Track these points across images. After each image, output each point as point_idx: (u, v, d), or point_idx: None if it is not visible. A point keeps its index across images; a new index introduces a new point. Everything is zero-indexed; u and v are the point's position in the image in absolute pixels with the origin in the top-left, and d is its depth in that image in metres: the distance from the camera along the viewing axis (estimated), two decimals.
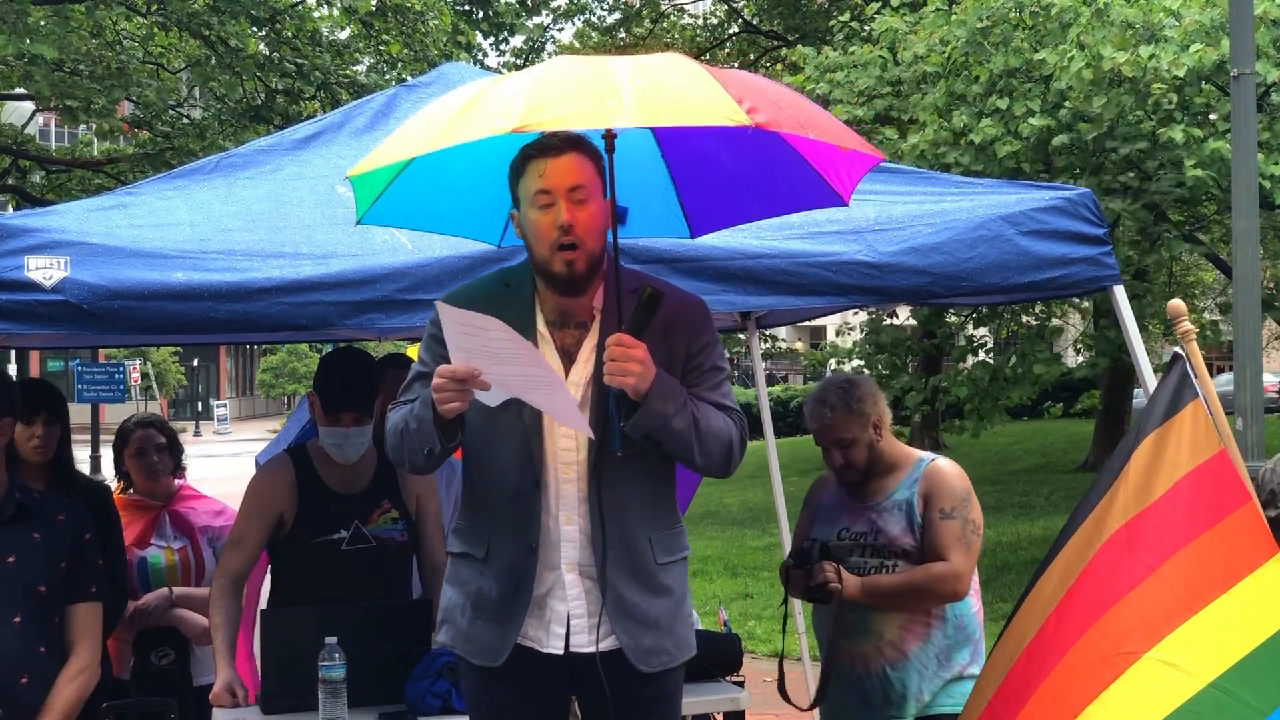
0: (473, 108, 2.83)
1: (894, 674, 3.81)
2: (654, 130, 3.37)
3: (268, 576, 4.40)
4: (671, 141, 3.43)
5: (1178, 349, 3.55)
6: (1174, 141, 9.66)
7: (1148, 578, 3.31)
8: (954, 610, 3.84)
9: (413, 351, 7.20)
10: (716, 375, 3.13)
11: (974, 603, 3.91)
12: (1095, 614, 3.30)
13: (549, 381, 2.86)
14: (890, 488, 3.87)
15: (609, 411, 2.95)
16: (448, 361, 2.90)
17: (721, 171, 3.44)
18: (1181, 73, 9.43)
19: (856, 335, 14.30)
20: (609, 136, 3.01)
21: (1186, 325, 3.56)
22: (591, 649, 3.04)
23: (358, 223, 3.39)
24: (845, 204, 3.39)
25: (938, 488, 3.81)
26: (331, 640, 3.48)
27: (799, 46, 14.01)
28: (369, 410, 4.06)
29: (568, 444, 3.05)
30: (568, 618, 3.07)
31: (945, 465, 3.88)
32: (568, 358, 3.07)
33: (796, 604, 4.39)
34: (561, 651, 3.07)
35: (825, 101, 12.22)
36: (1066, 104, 10.13)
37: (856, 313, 16.04)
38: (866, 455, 3.86)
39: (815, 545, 3.82)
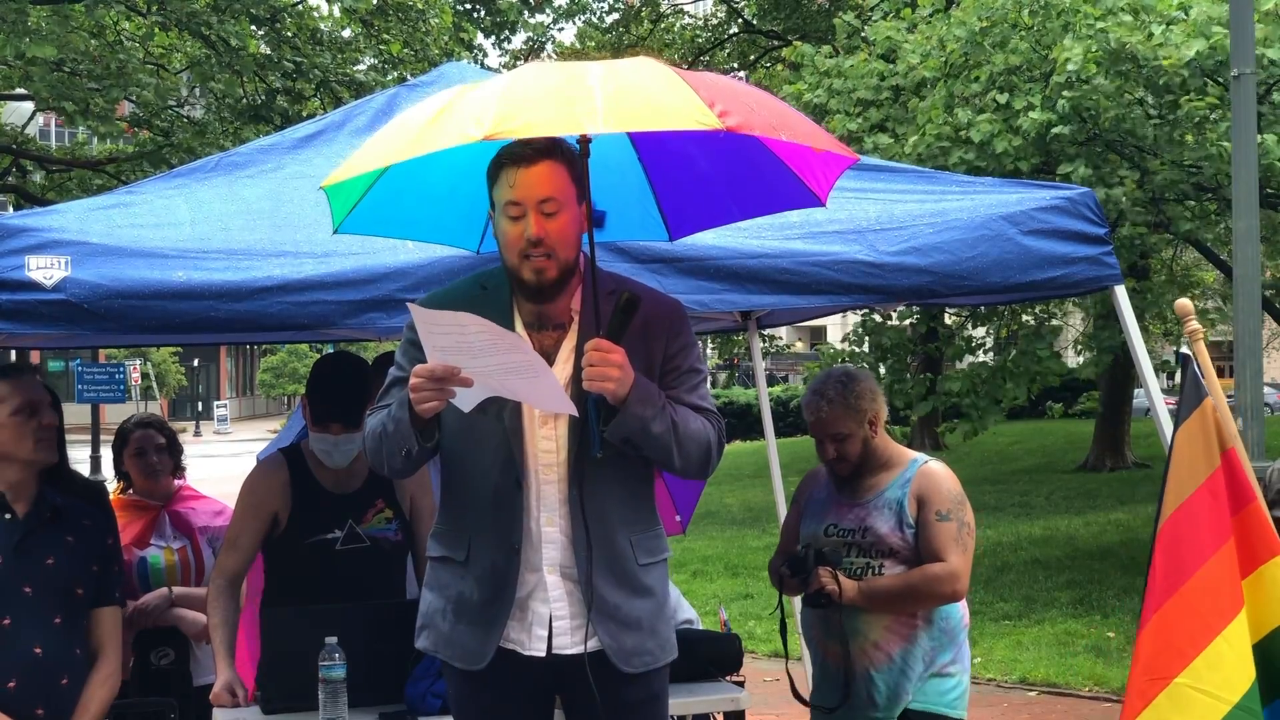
0: (445, 115, 2.82)
1: (877, 675, 3.78)
2: (629, 133, 3.36)
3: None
4: (647, 144, 3.42)
5: (1186, 350, 3.55)
6: (1197, 112, 9.60)
7: (1174, 594, 3.35)
8: (940, 613, 3.81)
9: None
10: (694, 377, 3.12)
11: (961, 605, 3.88)
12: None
13: (532, 366, 2.85)
14: (881, 486, 3.85)
15: (588, 416, 2.94)
16: (424, 364, 2.90)
17: (698, 173, 3.44)
18: (1192, 53, 9.40)
19: (853, 335, 14.28)
20: (583, 140, 3.00)
21: (1194, 325, 3.55)
22: (574, 650, 3.04)
23: (335, 232, 3.38)
24: (822, 204, 3.39)
25: (932, 489, 3.78)
26: (331, 640, 3.48)
27: (797, 44, 13.97)
28: (356, 420, 4.04)
29: (548, 445, 3.05)
30: (550, 620, 3.07)
31: (938, 467, 3.86)
32: (547, 359, 3.04)
33: (795, 603, 4.38)
34: (544, 654, 3.07)
35: (823, 111, 12.20)
36: (1065, 95, 10.11)
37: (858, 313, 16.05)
38: (860, 450, 3.84)
39: (810, 551, 3.80)
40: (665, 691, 3.24)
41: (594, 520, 3.02)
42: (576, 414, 2.95)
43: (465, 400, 2.92)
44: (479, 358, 2.83)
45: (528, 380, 2.87)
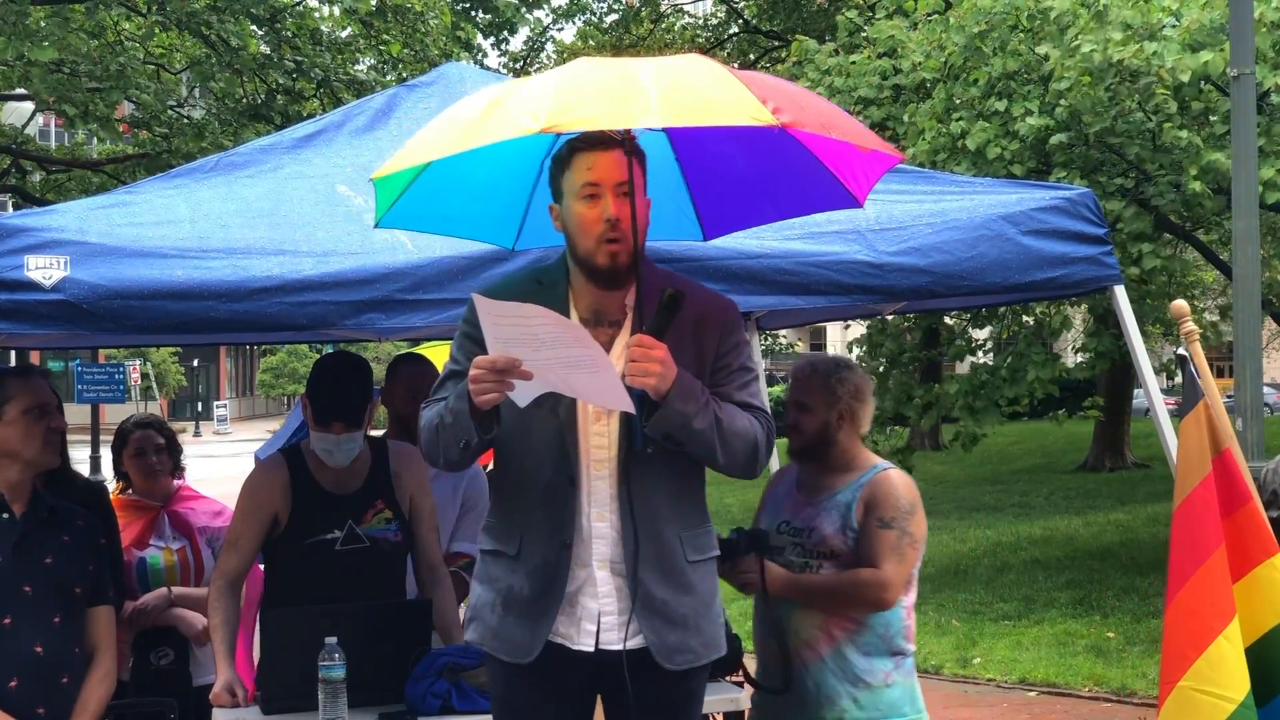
0: (497, 109, 2.83)
1: (805, 673, 3.73)
2: (669, 133, 3.38)
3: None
4: (686, 144, 3.43)
5: (1182, 350, 3.57)
6: (1179, 142, 9.61)
7: (1175, 599, 3.37)
8: (878, 620, 3.72)
9: (422, 350, 7.20)
10: (745, 375, 3.15)
11: (904, 614, 3.77)
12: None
13: (595, 360, 2.84)
14: (836, 488, 3.77)
15: (634, 411, 2.95)
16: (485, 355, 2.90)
17: (736, 174, 3.44)
18: (1186, 77, 9.40)
19: (858, 334, 14.28)
20: (629, 139, 3.02)
21: (1190, 326, 3.57)
22: (619, 646, 3.06)
23: (376, 225, 3.38)
24: (860, 205, 3.39)
25: (881, 497, 3.69)
26: (331, 640, 3.48)
27: (800, 38, 13.91)
28: (358, 420, 4.03)
29: (600, 441, 3.07)
30: (598, 615, 3.09)
31: (894, 475, 3.76)
32: None
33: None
34: (592, 649, 3.09)
35: None
36: (1063, 102, 10.10)
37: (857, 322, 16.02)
38: (817, 431, 3.75)
39: (742, 538, 3.76)
40: (703, 690, 3.25)
41: (642, 516, 3.04)
42: (634, 411, 2.96)
43: (521, 396, 2.92)
44: (541, 350, 2.82)
45: (589, 374, 2.87)
